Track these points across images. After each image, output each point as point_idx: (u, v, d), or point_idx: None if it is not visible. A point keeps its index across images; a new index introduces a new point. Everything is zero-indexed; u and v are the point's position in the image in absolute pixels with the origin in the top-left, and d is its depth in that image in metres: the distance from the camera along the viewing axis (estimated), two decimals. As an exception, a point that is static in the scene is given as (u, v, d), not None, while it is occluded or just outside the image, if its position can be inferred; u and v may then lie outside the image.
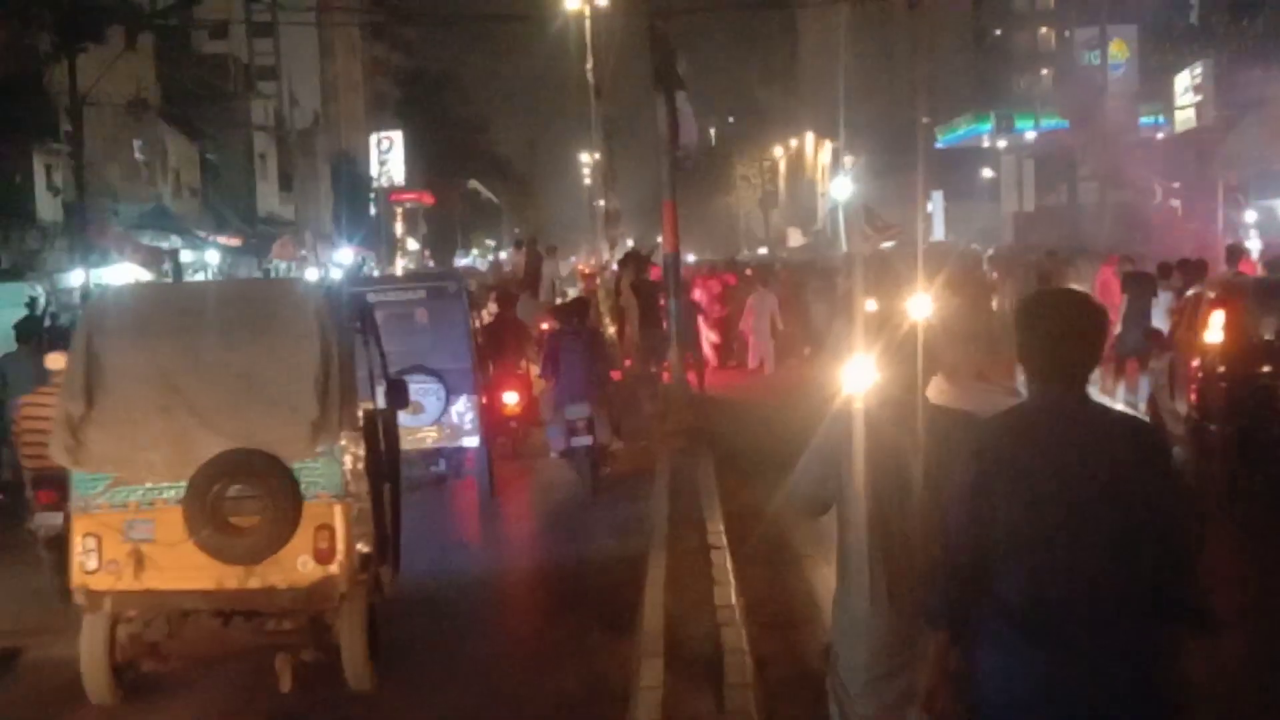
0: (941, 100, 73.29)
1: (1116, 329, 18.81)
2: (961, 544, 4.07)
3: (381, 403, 9.44)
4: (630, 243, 44.05)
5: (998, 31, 79.41)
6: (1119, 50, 53.22)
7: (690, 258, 48.91)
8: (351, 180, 62.52)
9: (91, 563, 7.72)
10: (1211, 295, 13.86)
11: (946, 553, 4.14)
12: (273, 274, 40.06)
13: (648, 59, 18.12)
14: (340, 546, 7.76)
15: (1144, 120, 53.97)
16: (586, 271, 35.53)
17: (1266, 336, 13.29)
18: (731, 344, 27.36)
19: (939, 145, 67.89)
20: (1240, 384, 12.98)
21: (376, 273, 51.00)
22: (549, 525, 13.74)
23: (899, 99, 77.93)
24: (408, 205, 70.56)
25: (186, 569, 7.68)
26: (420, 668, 8.57)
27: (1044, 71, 71.27)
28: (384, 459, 8.97)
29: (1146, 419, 3.59)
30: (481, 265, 67.94)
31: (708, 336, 25.60)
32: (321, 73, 63.35)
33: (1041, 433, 4.05)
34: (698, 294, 26.64)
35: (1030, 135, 57.23)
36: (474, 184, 78.60)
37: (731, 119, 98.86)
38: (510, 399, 15.46)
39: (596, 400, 14.26)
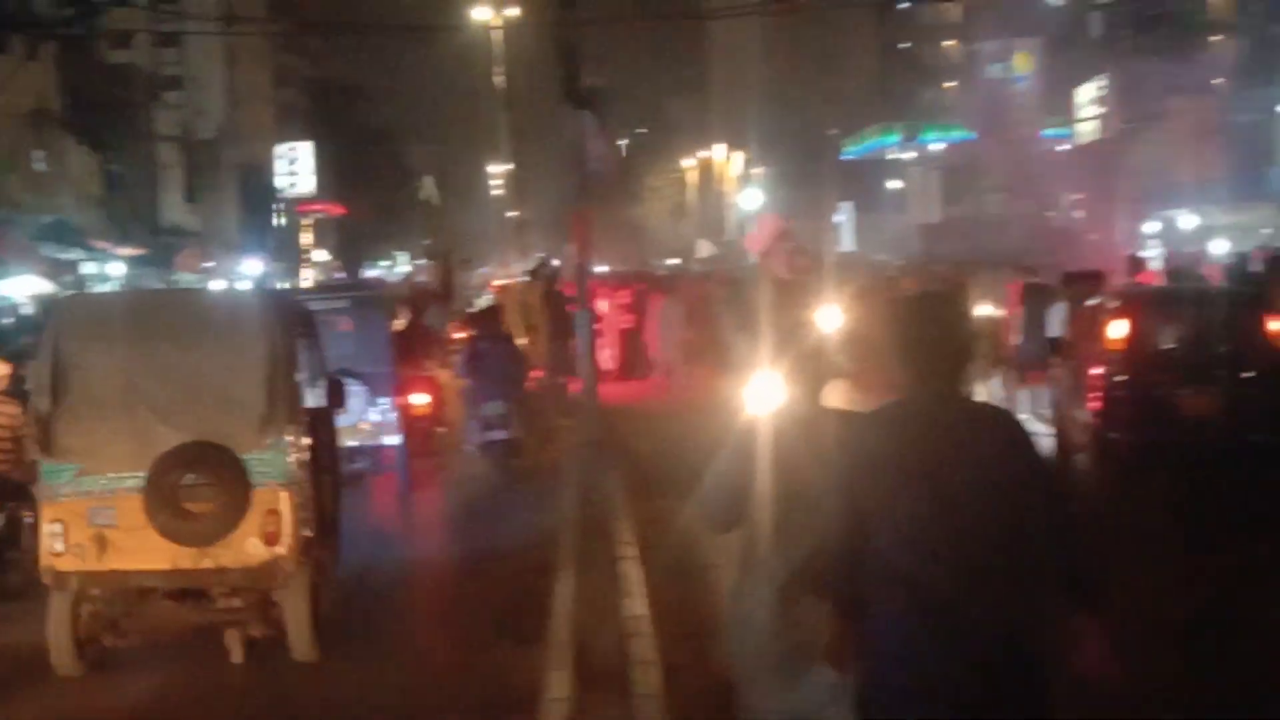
0: (849, 112, 73.95)
1: (1018, 339, 19.10)
2: (843, 531, 4.24)
3: (321, 401, 10.11)
4: (541, 255, 44.00)
5: (904, 44, 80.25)
6: (1023, 63, 54.06)
7: (602, 268, 49.05)
8: (258, 191, 61.93)
9: (58, 546, 8.42)
10: (1112, 305, 14.11)
11: (833, 539, 4.30)
12: (177, 286, 39.66)
13: (557, 71, 18.15)
14: (287, 530, 8.49)
15: (1048, 132, 54.79)
16: (500, 283, 35.61)
17: (1166, 345, 13.56)
18: (637, 355, 27.43)
19: (847, 157, 68.46)
20: (1141, 392, 13.23)
21: (280, 285, 50.65)
22: (464, 520, 14.15)
23: (808, 111, 78.55)
24: (316, 216, 70.03)
25: (145, 551, 8.39)
26: (358, 642, 9.18)
27: (950, 84, 72.10)
28: (324, 452, 9.71)
29: (1012, 412, 3.73)
30: (392, 277, 67.64)
31: (607, 349, 25.69)
32: (228, 83, 62.71)
33: (918, 426, 4.22)
34: (601, 304, 26.65)
35: (937, 147, 57.89)
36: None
37: (642, 130, 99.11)
38: (421, 400, 16.11)
39: (511, 399, 15.50)
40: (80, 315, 9.51)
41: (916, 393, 4.29)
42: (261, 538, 8.45)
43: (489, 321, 16.83)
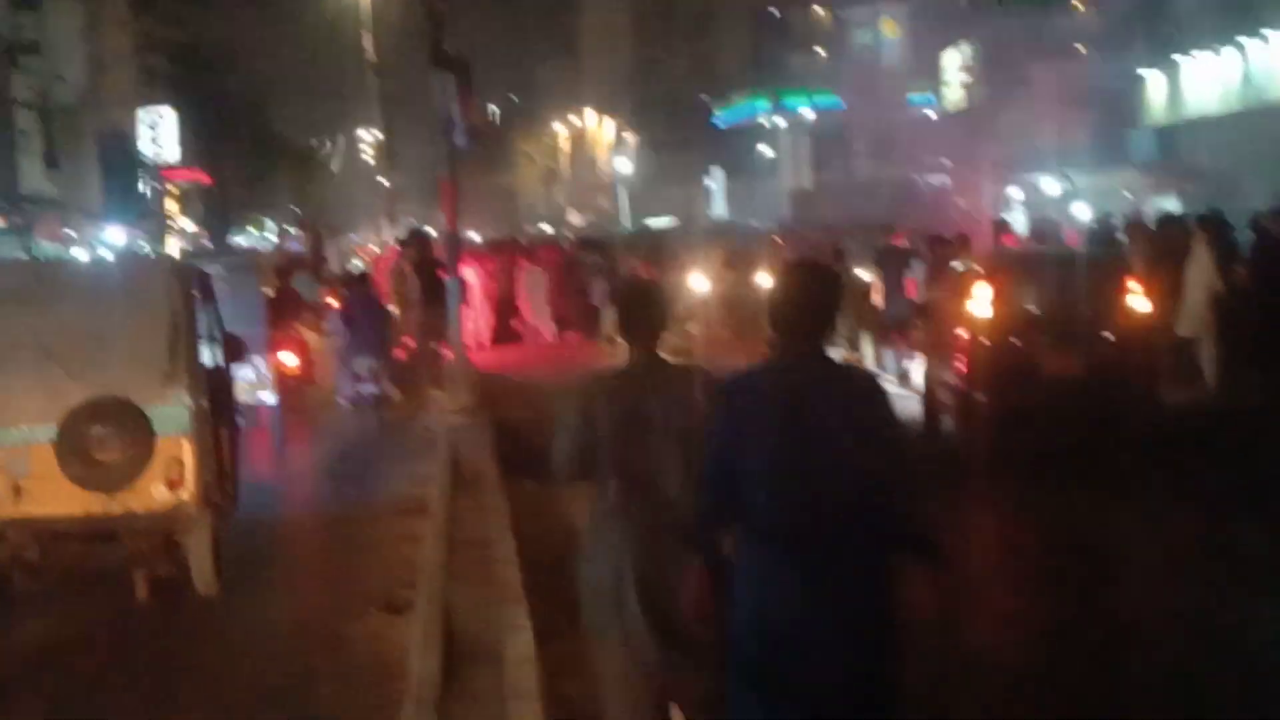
0: (720, 78, 74.08)
1: (881, 301, 19.38)
2: (713, 480, 4.62)
3: (219, 359, 10.84)
4: (413, 223, 43.63)
5: (774, 10, 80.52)
6: (890, 30, 54.52)
7: (474, 236, 48.74)
8: (122, 158, 60.60)
9: None
10: (977, 268, 14.29)
11: (701, 488, 4.69)
12: (38, 255, 38.84)
13: (426, 36, 17.93)
14: (189, 477, 9.29)
15: (915, 99, 55.33)
16: (376, 252, 35.41)
17: (1029, 308, 13.76)
18: (506, 322, 27.39)
19: (718, 123, 68.62)
20: (1004, 354, 13.43)
21: (146, 254, 49.66)
22: (338, 478, 14.70)
23: (680, 76, 78.56)
24: (182, 184, 68.73)
25: (58, 498, 9.13)
26: (252, 580, 9.96)
27: (819, 50, 72.51)
28: (222, 404, 10.52)
29: (871, 370, 4.08)
30: (261, 245, 66.63)
31: (477, 315, 25.62)
32: (88, 47, 61.21)
33: (783, 383, 4.58)
34: (472, 272, 26.51)
35: (808, 113, 58.25)
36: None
37: (513, 96, 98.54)
38: (291, 360, 16.95)
39: (381, 357, 17.38)
40: None
41: (782, 352, 4.64)
42: (166, 484, 9.24)
43: (360, 287, 18.85)
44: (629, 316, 5.59)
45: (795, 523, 4.43)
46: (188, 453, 9.32)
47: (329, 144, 60.57)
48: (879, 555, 4.46)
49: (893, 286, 19.44)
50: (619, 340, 5.79)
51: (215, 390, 10.16)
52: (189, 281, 10.20)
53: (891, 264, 20.09)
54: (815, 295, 4.68)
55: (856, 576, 4.43)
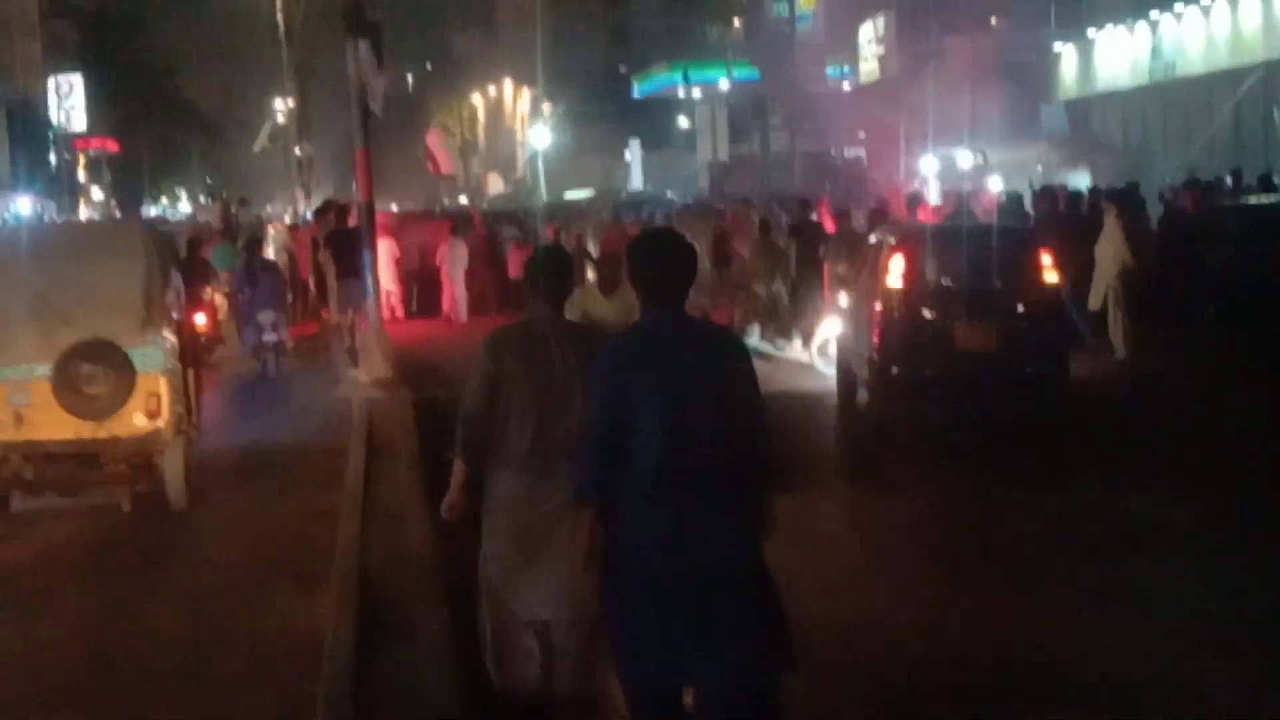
0: (638, 50, 73.96)
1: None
2: (601, 431, 5.05)
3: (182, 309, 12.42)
4: (329, 195, 43.26)
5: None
6: (806, 2, 54.59)
7: (393, 208, 48.38)
8: (29, 127, 59.53)
9: None
10: (891, 241, 14.36)
11: (591, 439, 5.11)
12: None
13: (338, 4, 17.76)
14: (165, 408, 10.89)
15: (831, 71, 55.54)
16: (287, 223, 35.11)
17: (943, 281, 13.86)
18: (425, 295, 27.30)
19: (636, 94, 68.51)
20: (919, 327, 13.54)
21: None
22: (251, 434, 14.67)
23: (597, 47, 78.37)
24: (91, 153, 67.67)
25: (53, 425, 10.70)
26: (215, 497, 11.52)
27: (736, 22, 72.53)
28: (188, 348, 12.26)
29: (732, 329, 4.80)
30: (174, 215, 65.75)
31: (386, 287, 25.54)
32: (-7, 13, 60.05)
33: (655, 342, 5.10)
34: (387, 244, 26.35)
35: (725, 85, 58.29)
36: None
37: (429, 65, 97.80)
38: (200, 319, 17.49)
39: (278, 310, 19.14)
40: None
41: (654, 313, 5.14)
42: (145, 414, 10.82)
43: (255, 248, 20.68)
44: (535, 275, 6.38)
45: (676, 463, 4.92)
46: (163, 387, 10.94)
47: (269, 124, 59.84)
48: (744, 488, 5.03)
49: (804, 260, 19.61)
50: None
51: (181, 335, 11.95)
52: (159, 242, 12.37)
53: (803, 238, 20.25)
54: (679, 261, 5.20)
55: (728, 506, 4.97)
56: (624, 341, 5.28)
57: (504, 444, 6.15)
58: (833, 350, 17.00)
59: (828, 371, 16.86)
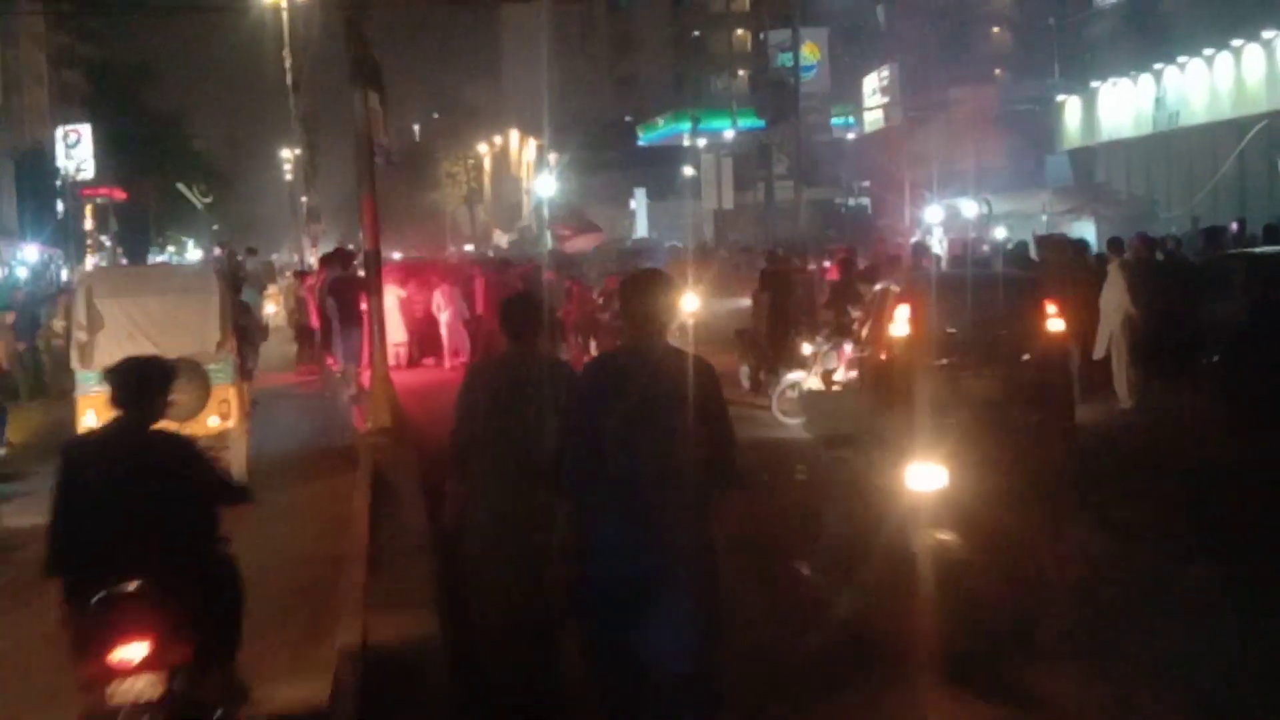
0: (644, 99, 74.37)
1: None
2: (577, 441, 5.72)
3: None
4: (337, 244, 43.35)
5: (696, 33, 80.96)
6: (811, 53, 54.88)
7: (396, 255, 48.47)
8: (37, 175, 59.81)
9: (90, 421, 12.73)
10: (896, 290, 14.38)
11: (569, 448, 5.77)
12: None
13: (345, 54, 17.84)
14: (233, 412, 13.77)
15: (836, 121, 55.82)
16: (296, 271, 35.26)
17: (948, 329, 13.86)
18: (430, 342, 27.30)
19: (641, 143, 68.80)
20: (923, 375, 13.53)
21: (65, 272, 49.01)
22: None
23: (603, 97, 78.76)
24: (98, 201, 67.93)
25: None
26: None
27: (741, 72, 72.95)
28: (246, 365, 15.58)
29: (699, 357, 5.36)
30: (178, 263, 65.83)
31: (401, 336, 25.62)
32: (2, 64, 60.42)
33: (631, 364, 5.75)
34: (394, 292, 26.42)
35: (729, 134, 58.54)
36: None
37: (436, 115, 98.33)
38: None
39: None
40: (101, 279, 16.19)
41: (635, 339, 5.83)
42: (219, 416, 13.60)
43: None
44: (508, 317, 7.33)
45: (644, 470, 5.57)
46: (232, 396, 13.77)
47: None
48: (704, 492, 5.68)
49: (775, 307, 19.74)
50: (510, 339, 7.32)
51: (241, 356, 14.87)
52: (226, 280, 15.87)
53: (777, 285, 20.35)
54: (660, 296, 5.84)
55: (687, 508, 5.62)
56: (602, 361, 6.33)
57: (483, 458, 7.13)
58: (794, 400, 17.16)
59: (787, 421, 16.98)
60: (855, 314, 17.51)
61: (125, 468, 6.32)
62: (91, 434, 7.27)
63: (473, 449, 7.15)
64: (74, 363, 13.78)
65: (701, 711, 5.71)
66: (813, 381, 17.29)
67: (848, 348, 16.84)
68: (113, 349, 12.68)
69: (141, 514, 6.22)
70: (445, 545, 8.70)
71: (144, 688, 5.97)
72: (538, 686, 7.04)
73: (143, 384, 6.65)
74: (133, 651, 5.95)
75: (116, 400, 6.52)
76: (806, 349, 17.76)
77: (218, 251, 50.03)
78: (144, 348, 12.20)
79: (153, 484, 6.31)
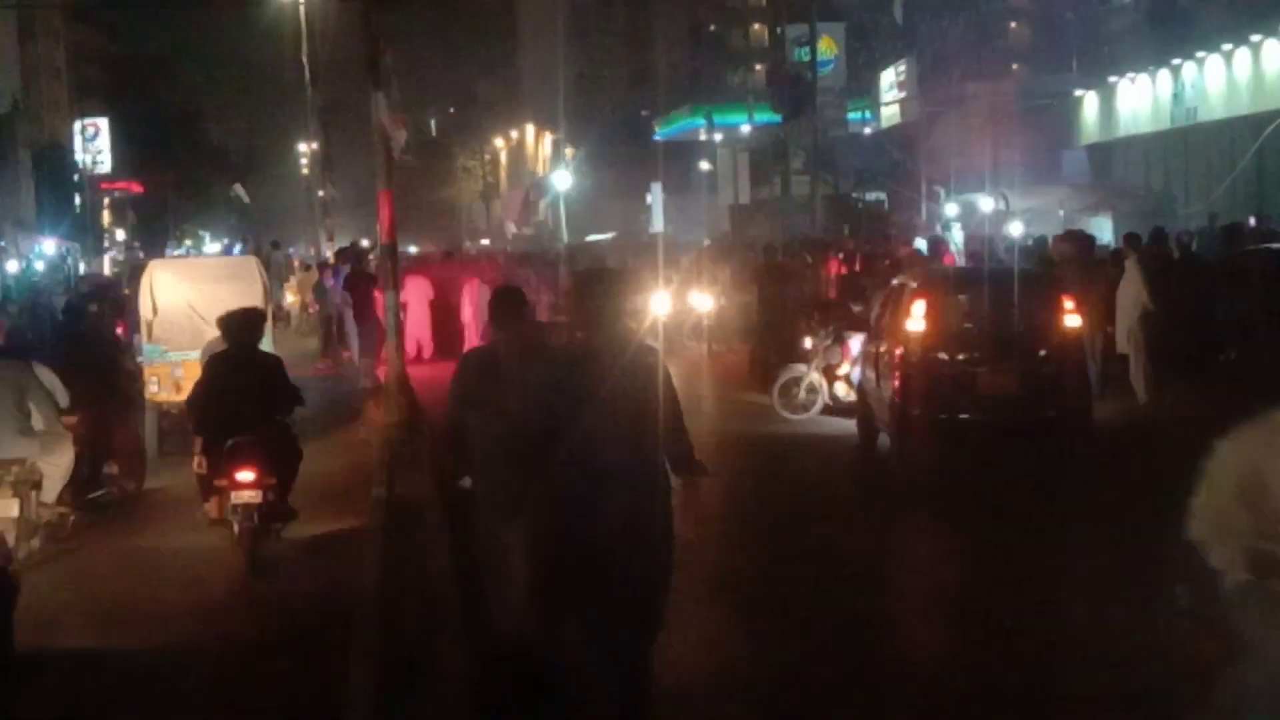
0: (660, 94, 74.25)
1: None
2: (540, 426, 6.15)
3: None
4: (353, 238, 43.36)
5: (712, 27, 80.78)
6: (828, 47, 54.70)
7: (412, 249, 48.49)
8: (55, 169, 59.96)
9: (154, 388, 16.05)
10: (913, 285, 14.34)
11: (533, 426, 6.24)
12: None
13: (363, 47, 17.81)
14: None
15: (852, 116, 55.63)
16: (300, 263, 35.35)
17: (964, 325, 13.84)
18: (448, 337, 27.27)
19: (657, 138, 68.72)
20: (940, 370, 13.50)
21: (82, 265, 49.11)
22: None
23: (619, 92, 78.70)
24: (116, 195, 68.08)
25: None
26: None
27: (757, 67, 72.79)
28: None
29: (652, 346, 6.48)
30: (196, 256, 65.90)
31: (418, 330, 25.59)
32: (21, 57, 60.56)
33: (586, 358, 6.20)
34: (413, 286, 26.38)
35: (745, 129, 58.44)
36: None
37: (451, 109, 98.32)
38: None
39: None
40: (161, 268, 18.03)
41: (588, 336, 6.24)
42: None
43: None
44: (497, 309, 7.84)
45: (603, 454, 5.99)
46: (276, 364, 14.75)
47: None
48: (660, 475, 6.16)
49: (770, 303, 19.77)
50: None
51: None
52: (265, 267, 18.36)
53: (770, 281, 20.37)
54: (611, 292, 6.27)
55: (644, 489, 6.04)
56: (559, 356, 6.74)
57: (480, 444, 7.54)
58: (796, 394, 17.30)
59: (789, 416, 17.01)
60: (856, 308, 17.55)
61: (242, 371, 11.14)
62: (222, 351, 11.75)
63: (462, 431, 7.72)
64: (141, 337, 16.56)
65: (632, 695, 6.12)
66: (814, 376, 17.29)
67: (853, 342, 16.85)
68: (172, 327, 16.25)
69: (249, 398, 10.93)
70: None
71: (251, 496, 10.62)
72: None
73: (247, 324, 11.64)
74: (246, 475, 10.58)
75: (230, 335, 11.59)
76: (808, 343, 17.76)
77: (239, 247, 50.18)
78: (199, 326, 15.53)
79: (255, 381, 11.11)
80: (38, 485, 11.22)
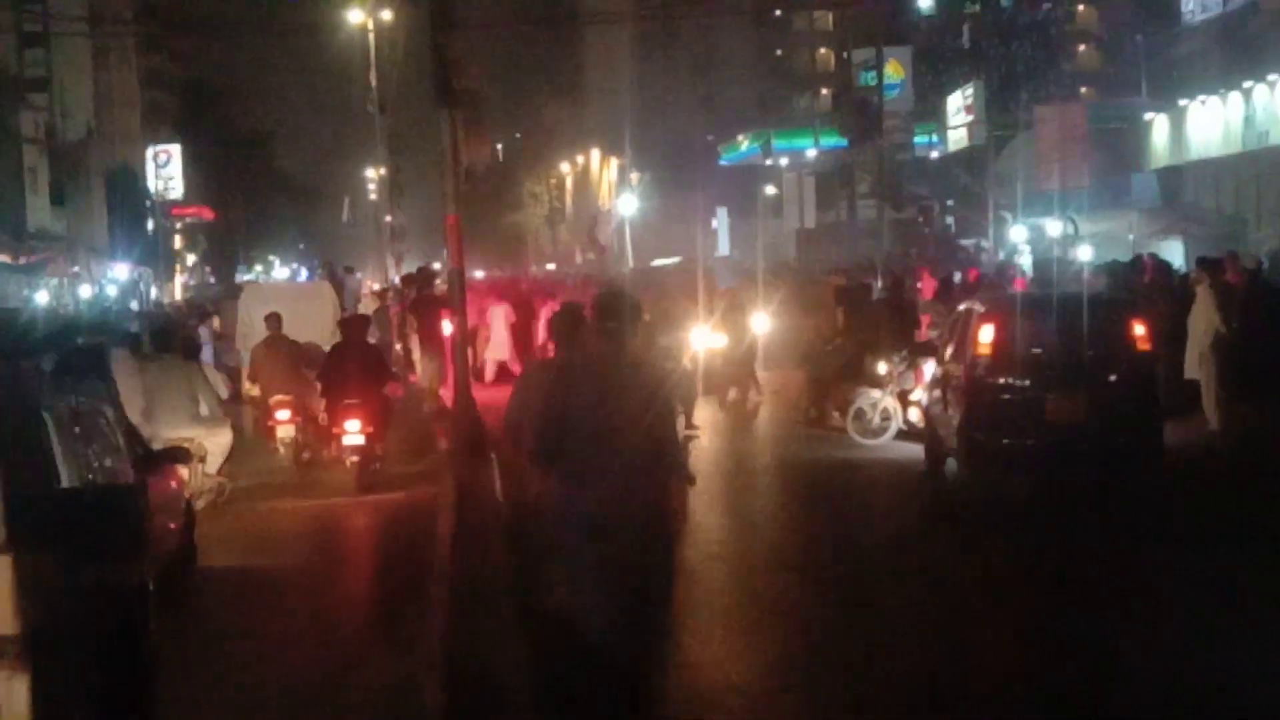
0: (725, 118, 74.31)
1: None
2: (550, 428, 6.86)
3: None
4: (421, 263, 43.62)
5: (779, 51, 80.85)
6: (895, 71, 54.55)
7: (479, 274, 48.71)
8: (128, 195, 60.76)
9: (249, 386, 18.47)
10: (981, 310, 14.24)
11: (543, 429, 6.95)
12: (45, 290, 39.12)
13: (430, 74, 17.93)
14: None
15: (919, 139, 55.48)
16: (375, 289, 35.62)
17: (1032, 350, 13.72)
18: (519, 359, 27.37)
19: (723, 163, 68.78)
20: (1007, 396, 13.41)
21: (154, 290, 49.72)
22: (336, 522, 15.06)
23: (685, 116, 78.78)
24: (187, 220, 68.88)
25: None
26: None
27: (824, 91, 72.79)
28: None
29: (657, 364, 7.98)
30: (265, 281, 66.51)
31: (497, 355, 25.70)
32: (94, 84, 61.49)
33: (597, 368, 7.00)
34: (499, 309, 26.59)
35: (811, 153, 58.39)
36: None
37: (518, 135, 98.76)
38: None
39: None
40: (253, 291, 23.38)
41: (600, 349, 7.03)
42: None
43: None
44: (557, 329, 8.70)
45: (604, 452, 6.67)
46: None
47: (346, 201, 61.64)
48: (656, 473, 6.81)
49: (850, 325, 19.72)
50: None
51: None
52: (339, 291, 23.65)
53: (851, 303, 20.31)
54: (618, 314, 6.91)
55: (642, 483, 6.72)
56: (571, 367, 7.37)
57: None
58: (870, 419, 17.26)
59: (863, 441, 16.95)
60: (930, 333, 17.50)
61: (353, 356, 15.73)
62: (339, 343, 16.52)
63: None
64: (239, 345, 20.79)
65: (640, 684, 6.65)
66: (889, 401, 17.24)
67: (926, 367, 16.74)
68: (260, 338, 18.34)
69: (358, 372, 15.39)
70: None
71: (357, 439, 15.05)
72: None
73: (358, 324, 17.53)
74: (354, 425, 15.05)
75: (345, 330, 17.04)
76: (882, 368, 17.68)
77: (308, 273, 50.75)
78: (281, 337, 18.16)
79: (360, 359, 15.76)
80: (203, 459, 13.56)
